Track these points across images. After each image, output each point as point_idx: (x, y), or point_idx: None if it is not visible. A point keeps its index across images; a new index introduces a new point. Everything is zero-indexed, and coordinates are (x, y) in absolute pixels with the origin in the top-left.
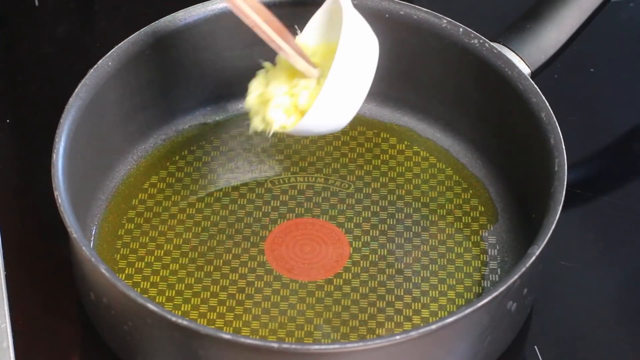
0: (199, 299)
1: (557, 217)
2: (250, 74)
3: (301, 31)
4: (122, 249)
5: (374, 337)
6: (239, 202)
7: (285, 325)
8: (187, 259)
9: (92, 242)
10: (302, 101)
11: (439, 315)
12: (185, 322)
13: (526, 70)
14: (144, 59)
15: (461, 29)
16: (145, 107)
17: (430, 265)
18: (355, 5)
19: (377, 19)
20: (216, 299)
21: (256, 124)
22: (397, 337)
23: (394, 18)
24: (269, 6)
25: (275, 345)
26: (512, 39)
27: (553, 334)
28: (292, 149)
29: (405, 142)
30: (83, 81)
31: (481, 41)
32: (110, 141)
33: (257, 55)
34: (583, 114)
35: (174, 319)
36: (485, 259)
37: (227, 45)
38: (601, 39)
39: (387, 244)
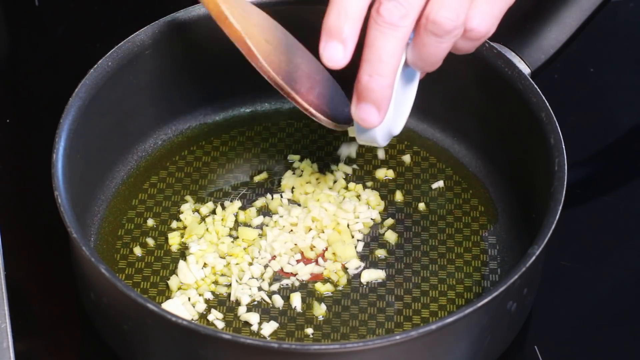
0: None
1: (557, 217)
2: (249, 74)
3: None
4: (122, 249)
5: (374, 337)
6: (239, 203)
7: (286, 326)
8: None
9: (92, 242)
10: None
11: (439, 315)
12: (185, 322)
13: (526, 70)
14: (144, 59)
15: None
16: (145, 107)
17: (430, 265)
18: None
19: None
20: (216, 299)
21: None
22: (397, 337)
23: None
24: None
25: (275, 345)
26: (512, 39)
27: (553, 334)
28: (292, 150)
29: (405, 142)
30: (83, 81)
31: None
32: (110, 141)
33: None
34: (583, 114)
35: (174, 319)
36: (485, 259)
37: (227, 45)
38: (601, 39)
39: (387, 244)
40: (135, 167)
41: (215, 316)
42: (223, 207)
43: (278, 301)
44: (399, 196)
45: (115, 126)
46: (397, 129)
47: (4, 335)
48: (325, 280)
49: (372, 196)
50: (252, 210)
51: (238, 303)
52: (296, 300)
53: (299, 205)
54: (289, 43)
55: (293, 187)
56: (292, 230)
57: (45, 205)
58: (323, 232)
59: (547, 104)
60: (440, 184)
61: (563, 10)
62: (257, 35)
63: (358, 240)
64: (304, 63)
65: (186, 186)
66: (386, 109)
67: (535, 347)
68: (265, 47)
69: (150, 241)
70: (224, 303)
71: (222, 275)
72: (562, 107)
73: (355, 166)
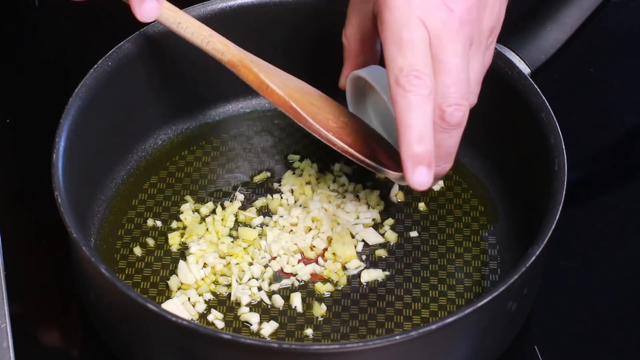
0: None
1: (557, 217)
2: None
3: None
4: (122, 249)
5: (374, 337)
6: (239, 203)
7: (286, 326)
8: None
9: (92, 242)
10: None
11: (439, 315)
12: (185, 322)
13: (526, 70)
14: (144, 59)
15: None
16: (145, 107)
17: (430, 265)
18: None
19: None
20: (216, 299)
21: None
22: (397, 337)
23: None
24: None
25: (275, 345)
26: (512, 39)
27: (553, 334)
28: (292, 149)
29: None
30: (83, 81)
31: None
32: (110, 141)
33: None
34: (583, 114)
35: (174, 319)
36: (485, 259)
37: None
38: (601, 39)
39: (387, 244)
40: (135, 167)
41: (215, 316)
42: (223, 207)
43: (278, 301)
44: (399, 196)
45: (115, 126)
46: None
47: (4, 335)
48: (325, 280)
49: (372, 196)
50: (252, 210)
51: (238, 303)
52: (296, 300)
53: (299, 205)
54: (331, 104)
55: (293, 187)
56: (292, 230)
57: (45, 205)
58: (323, 232)
59: (547, 104)
60: (440, 184)
61: (563, 10)
62: (300, 99)
63: (358, 241)
64: (350, 120)
65: (186, 186)
66: None
67: (535, 347)
68: (310, 109)
69: (150, 241)
70: (224, 303)
71: (222, 275)
72: (562, 107)
73: (355, 166)
